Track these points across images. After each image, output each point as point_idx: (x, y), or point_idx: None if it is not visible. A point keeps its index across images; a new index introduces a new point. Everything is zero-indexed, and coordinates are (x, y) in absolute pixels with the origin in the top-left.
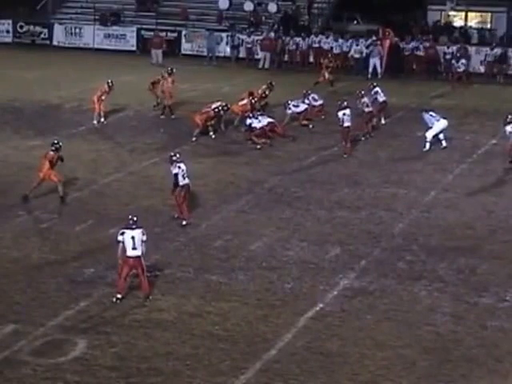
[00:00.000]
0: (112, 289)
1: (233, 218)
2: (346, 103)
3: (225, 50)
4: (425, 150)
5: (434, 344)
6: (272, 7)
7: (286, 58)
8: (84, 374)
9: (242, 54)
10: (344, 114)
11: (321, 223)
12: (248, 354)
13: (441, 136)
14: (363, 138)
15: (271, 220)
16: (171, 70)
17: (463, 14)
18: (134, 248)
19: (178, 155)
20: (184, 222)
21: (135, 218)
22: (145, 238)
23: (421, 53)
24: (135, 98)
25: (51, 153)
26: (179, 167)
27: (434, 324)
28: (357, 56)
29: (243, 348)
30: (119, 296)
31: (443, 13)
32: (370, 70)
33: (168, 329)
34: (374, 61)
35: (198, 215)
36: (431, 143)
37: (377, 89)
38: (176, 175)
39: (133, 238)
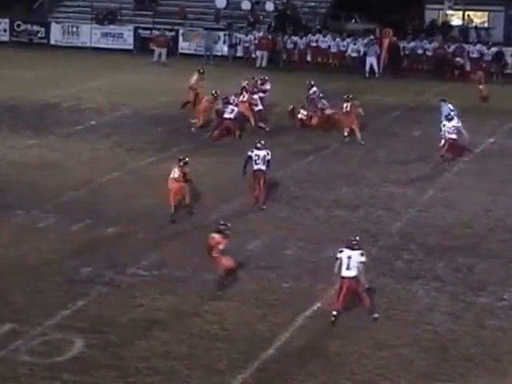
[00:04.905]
0: (110, 288)
1: (231, 217)
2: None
3: (222, 48)
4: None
5: (431, 343)
6: (269, 6)
7: (284, 57)
8: (81, 373)
9: (240, 53)
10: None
11: (319, 222)
12: (246, 354)
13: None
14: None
15: (270, 219)
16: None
17: (461, 13)
18: (348, 268)
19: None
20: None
21: (357, 238)
22: (363, 258)
23: (429, 53)
24: (132, 96)
25: (187, 169)
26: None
27: (431, 323)
28: (354, 55)
29: (241, 347)
30: (335, 313)
31: (441, 12)
32: (367, 68)
33: (166, 328)
34: (371, 60)
35: (197, 214)
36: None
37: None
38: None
39: (349, 257)
